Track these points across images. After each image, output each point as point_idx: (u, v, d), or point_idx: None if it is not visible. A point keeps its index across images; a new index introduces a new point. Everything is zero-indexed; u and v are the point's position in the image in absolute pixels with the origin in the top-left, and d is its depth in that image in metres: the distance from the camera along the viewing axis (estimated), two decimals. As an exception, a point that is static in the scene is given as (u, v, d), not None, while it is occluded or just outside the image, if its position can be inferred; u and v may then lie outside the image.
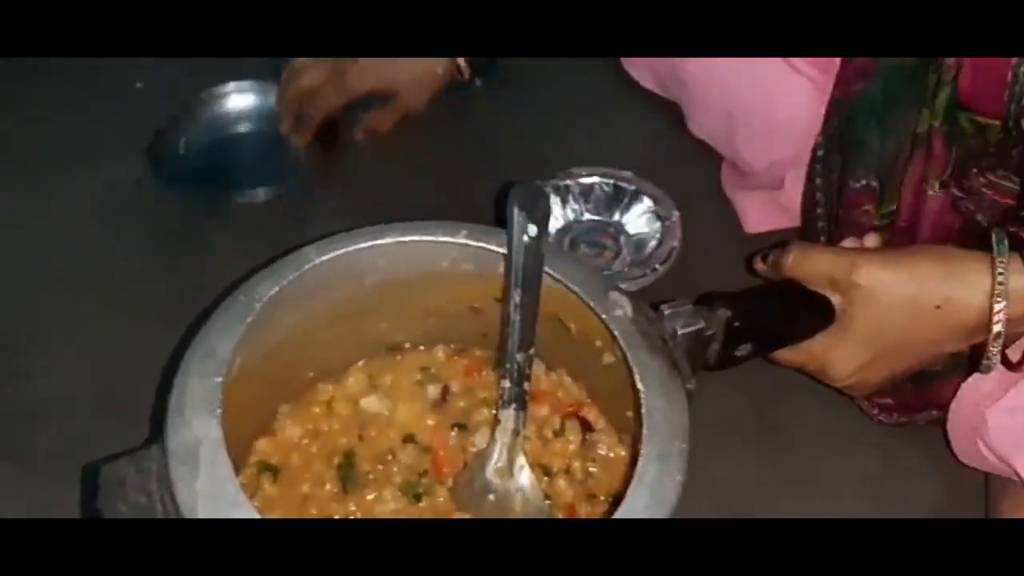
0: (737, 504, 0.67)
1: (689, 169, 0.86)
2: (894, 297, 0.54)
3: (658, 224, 0.82)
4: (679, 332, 0.52)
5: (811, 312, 0.56)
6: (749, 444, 0.70)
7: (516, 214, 0.54)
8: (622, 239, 0.82)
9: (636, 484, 0.47)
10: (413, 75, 0.85)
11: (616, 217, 0.84)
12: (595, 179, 0.86)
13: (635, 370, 0.51)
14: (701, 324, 0.52)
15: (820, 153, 0.71)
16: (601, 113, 0.91)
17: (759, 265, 0.61)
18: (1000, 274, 0.50)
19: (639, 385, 0.50)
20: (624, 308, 0.53)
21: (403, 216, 0.59)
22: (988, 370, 0.53)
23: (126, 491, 0.48)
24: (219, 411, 0.48)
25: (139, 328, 0.76)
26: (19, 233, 0.82)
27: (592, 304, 0.54)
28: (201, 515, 0.45)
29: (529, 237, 0.54)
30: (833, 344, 0.57)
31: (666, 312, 0.53)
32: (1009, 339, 0.53)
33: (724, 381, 0.67)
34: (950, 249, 0.55)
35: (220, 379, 0.49)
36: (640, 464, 0.48)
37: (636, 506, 0.47)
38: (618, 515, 0.46)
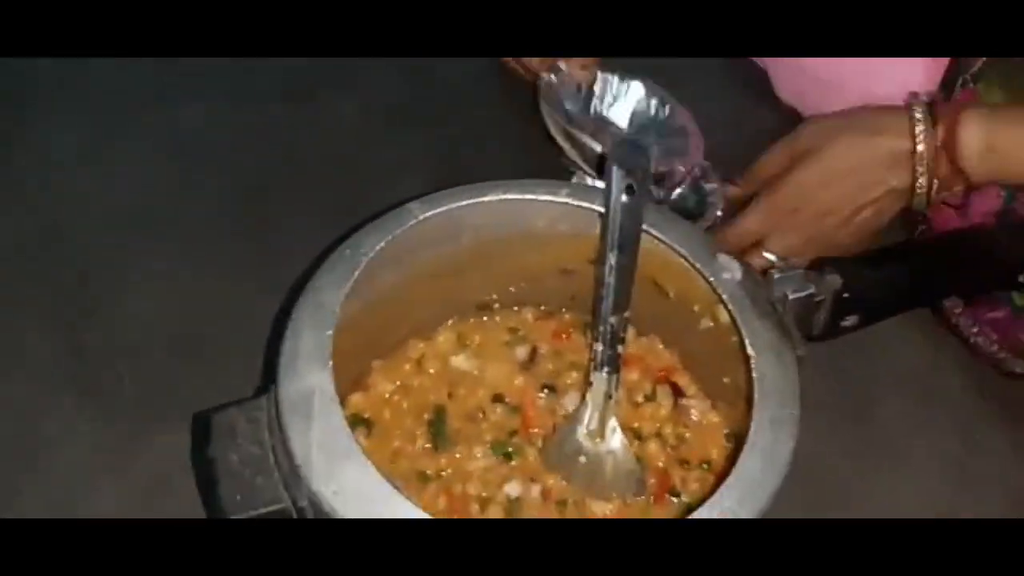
0: (823, 483, 0.66)
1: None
2: (834, 132, 0.62)
3: (703, 196, 0.80)
4: (789, 297, 0.51)
5: (923, 281, 0.55)
6: (834, 422, 0.69)
7: (615, 172, 0.54)
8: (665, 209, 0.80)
9: (749, 449, 0.47)
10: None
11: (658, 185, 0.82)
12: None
13: (745, 335, 0.50)
14: (811, 289, 0.52)
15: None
16: (675, 79, 0.88)
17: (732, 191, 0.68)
18: (916, 112, 0.59)
19: (749, 350, 0.50)
20: (733, 271, 0.52)
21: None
22: (922, 205, 0.60)
23: (237, 440, 0.48)
24: (330, 363, 0.48)
25: (214, 268, 0.76)
26: (97, 170, 0.83)
27: (699, 266, 0.54)
28: (315, 464, 0.45)
29: (628, 196, 0.54)
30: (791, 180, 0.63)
31: (776, 276, 0.52)
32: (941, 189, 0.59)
33: (812, 358, 0.67)
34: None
35: (330, 332, 0.50)
36: (752, 429, 0.47)
37: (750, 471, 0.46)
38: (731, 480, 0.46)
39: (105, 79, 0.89)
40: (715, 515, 0.45)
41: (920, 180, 0.58)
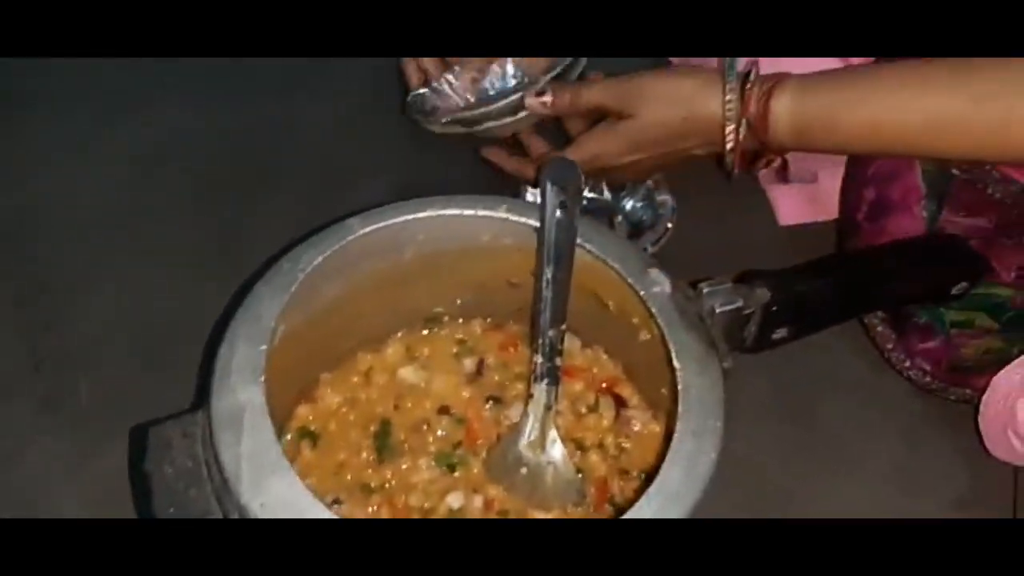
0: (765, 487, 0.67)
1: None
2: (647, 94, 0.65)
3: (654, 208, 0.81)
4: (717, 310, 0.52)
5: (853, 293, 0.56)
6: (776, 428, 0.70)
7: (549, 188, 0.55)
8: (618, 219, 0.81)
9: (671, 460, 0.48)
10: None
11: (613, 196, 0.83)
12: None
13: (672, 347, 0.51)
14: (740, 303, 0.53)
15: None
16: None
17: (531, 100, 0.71)
18: (729, 97, 0.60)
19: (675, 362, 0.51)
20: (663, 285, 0.53)
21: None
22: (729, 169, 0.63)
23: (172, 454, 0.49)
24: (262, 378, 0.49)
25: (176, 277, 0.77)
26: (59, 179, 0.83)
27: (630, 280, 0.54)
28: (244, 478, 0.46)
29: (561, 212, 0.55)
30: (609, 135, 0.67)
31: (704, 290, 0.53)
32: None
33: (752, 366, 0.67)
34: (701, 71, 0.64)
35: (264, 347, 0.51)
36: (675, 440, 0.48)
37: (670, 481, 0.47)
38: (652, 491, 0.47)
39: (66, 82, 0.90)
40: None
41: (728, 146, 0.60)
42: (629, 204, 0.79)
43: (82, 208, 0.82)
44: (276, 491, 0.46)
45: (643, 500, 0.47)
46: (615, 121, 0.69)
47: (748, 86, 0.61)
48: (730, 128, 0.60)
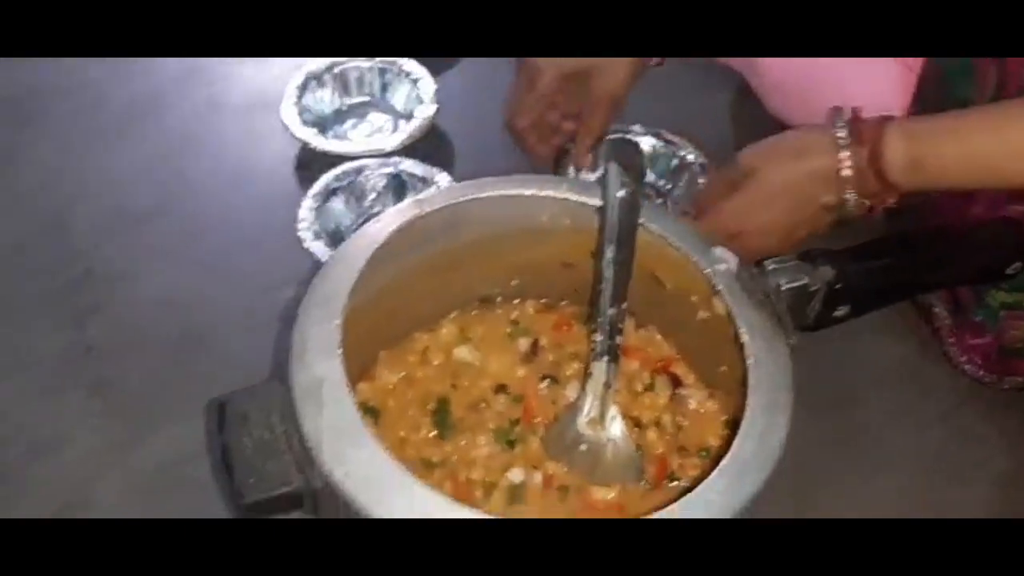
0: (805, 474, 0.67)
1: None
2: (769, 153, 0.64)
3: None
4: (783, 287, 0.53)
5: (913, 273, 0.57)
6: (817, 414, 0.70)
7: (612, 169, 0.56)
8: (667, 203, 0.83)
9: (744, 434, 0.48)
10: (604, 63, 0.74)
11: (660, 179, 0.84)
12: (650, 140, 0.85)
13: (739, 324, 0.52)
14: (805, 280, 0.53)
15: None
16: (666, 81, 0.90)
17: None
18: (838, 132, 0.60)
19: (744, 338, 0.52)
20: (729, 263, 0.54)
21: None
22: (855, 215, 0.61)
23: (249, 426, 0.50)
24: (339, 351, 0.50)
25: (223, 263, 0.78)
26: (103, 172, 0.85)
27: (695, 259, 0.55)
28: (326, 449, 0.47)
29: (624, 192, 0.55)
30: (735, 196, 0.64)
31: (770, 267, 0.54)
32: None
33: (793, 351, 0.68)
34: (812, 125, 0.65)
35: (338, 321, 0.51)
36: (747, 415, 0.49)
37: (743, 455, 0.48)
38: (724, 464, 0.48)
39: (104, 71, 0.91)
40: (710, 496, 0.46)
41: (848, 196, 0.60)
42: (679, 189, 0.80)
43: (127, 196, 0.83)
44: (359, 460, 0.47)
45: (715, 474, 0.48)
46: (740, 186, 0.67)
47: (858, 123, 0.61)
48: (845, 161, 0.60)
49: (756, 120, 0.82)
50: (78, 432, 0.69)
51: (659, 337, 0.66)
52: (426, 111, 0.84)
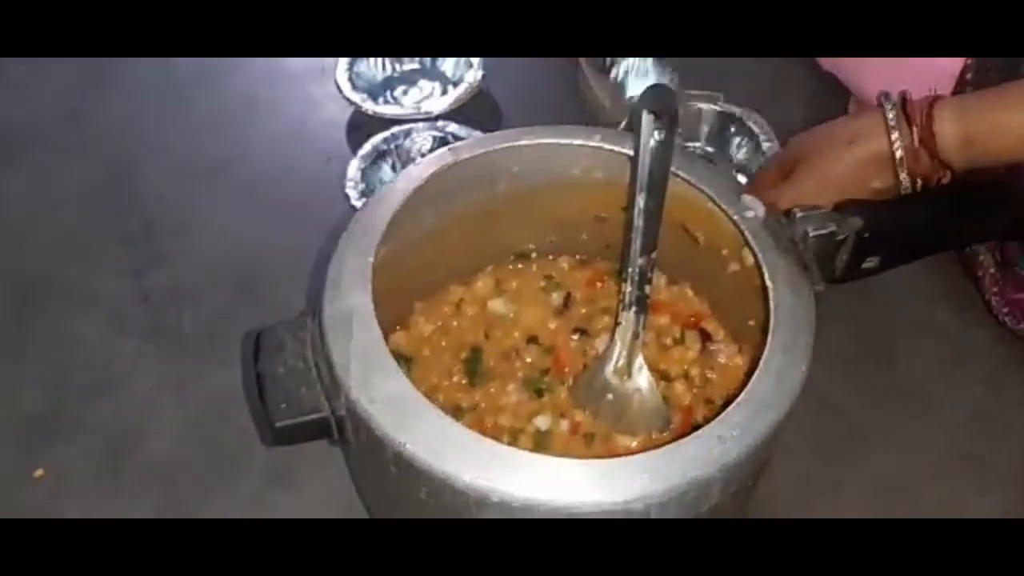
0: (842, 427, 0.68)
1: (812, 103, 0.85)
2: (819, 142, 0.64)
3: (759, 157, 0.82)
4: (810, 235, 0.53)
5: (946, 225, 0.57)
6: (856, 368, 0.71)
7: (644, 115, 0.56)
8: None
9: (762, 372, 0.49)
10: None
11: (716, 146, 0.85)
12: (704, 105, 0.85)
13: (764, 268, 0.53)
14: (832, 228, 0.53)
15: (969, 76, 0.70)
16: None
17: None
18: (892, 123, 0.60)
19: (768, 282, 0.52)
20: (756, 210, 0.54)
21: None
22: (905, 190, 0.60)
23: (284, 355, 0.52)
24: (369, 286, 0.52)
25: (275, 217, 0.81)
26: (163, 128, 0.88)
27: (723, 206, 0.56)
28: (353, 375, 0.49)
29: (656, 140, 0.56)
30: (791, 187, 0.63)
31: (798, 215, 0.54)
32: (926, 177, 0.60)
33: (833, 306, 0.68)
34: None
35: (371, 258, 0.53)
36: (766, 353, 0.49)
37: (761, 392, 0.48)
38: (741, 399, 0.48)
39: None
40: (724, 431, 0.47)
41: (902, 177, 0.59)
42: (733, 152, 0.80)
43: (189, 154, 0.86)
44: (384, 387, 0.48)
45: (732, 408, 0.48)
46: (791, 174, 0.66)
47: (908, 104, 0.61)
48: (896, 143, 0.59)
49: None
50: (132, 376, 0.72)
51: (691, 293, 0.66)
52: (474, 76, 0.85)
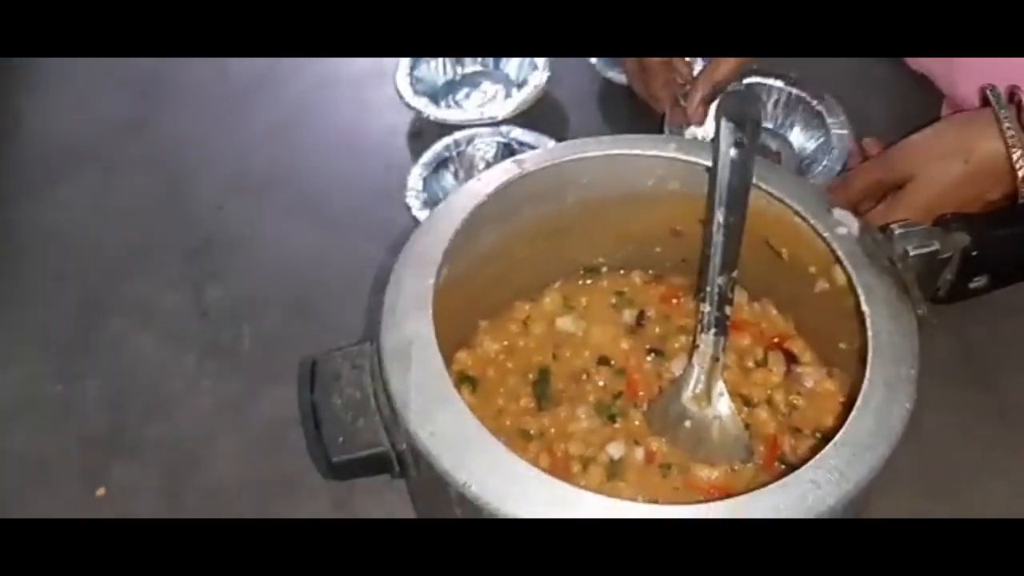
0: (946, 458, 0.63)
1: (906, 103, 0.80)
2: (928, 155, 0.61)
3: (829, 141, 0.77)
4: (910, 253, 0.49)
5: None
6: (960, 394, 0.65)
7: (724, 124, 0.52)
8: (783, 151, 0.78)
9: (860, 410, 0.44)
10: None
11: (783, 127, 0.80)
12: (775, 83, 0.80)
13: (860, 291, 0.48)
14: (935, 246, 0.49)
15: None
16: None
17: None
18: (1007, 125, 0.56)
19: (864, 307, 0.47)
20: (850, 226, 0.50)
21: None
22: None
23: (341, 385, 0.49)
24: (430, 311, 0.49)
25: (333, 234, 0.79)
26: (221, 138, 0.87)
27: (812, 222, 0.51)
28: (413, 407, 0.46)
29: (736, 150, 0.52)
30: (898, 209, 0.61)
31: (896, 231, 0.49)
32: None
33: (935, 326, 0.63)
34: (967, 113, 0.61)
35: (431, 281, 0.50)
36: (864, 388, 0.45)
37: (859, 432, 0.44)
38: (838, 439, 0.44)
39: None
40: (819, 476, 0.42)
41: (1022, 189, 0.54)
42: (797, 137, 0.75)
43: (246, 165, 0.85)
44: (445, 420, 0.45)
45: (829, 449, 0.44)
46: (897, 193, 0.64)
47: (1022, 111, 0.58)
48: (1018, 155, 0.56)
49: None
50: (191, 395, 0.71)
51: (774, 312, 0.62)
52: (539, 78, 0.82)
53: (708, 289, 0.54)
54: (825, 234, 0.51)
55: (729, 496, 0.52)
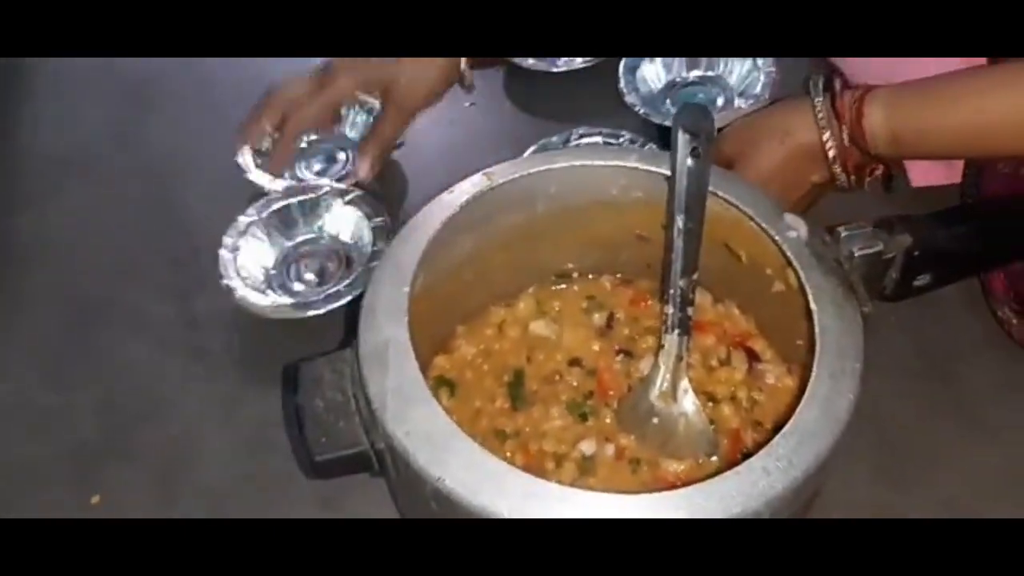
0: (902, 448, 0.66)
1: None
2: (754, 136, 0.65)
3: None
4: (856, 254, 0.52)
5: (998, 241, 0.54)
6: (914, 387, 0.68)
7: (680, 135, 0.55)
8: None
9: (807, 401, 0.47)
10: (409, 73, 0.76)
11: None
12: None
13: (808, 291, 0.51)
14: (879, 247, 0.52)
15: None
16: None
17: None
18: (819, 110, 0.61)
19: (812, 305, 0.50)
20: (799, 230, 0.53)
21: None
22: (844, 189, 0.63)
23: (323, 388, 0.52)
24: (406, 317, 0.52)
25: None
26: (205, 148, 0.88)
27: (765, 226, 0.54)
28: (390, 408, 0.49)
29: (693, 159, 0.55)
30: None
31: (843, 234, 0.52)
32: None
33: (891, 322, 0.66)
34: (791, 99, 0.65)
35: (407, 288, 0.53)
36: (812, 381, 0.48)
37: (806, 422, 0.47)
38: (787, 429, 0.47)
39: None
40: (769, 464, 0.45)
41: (836, 171, 0.60)
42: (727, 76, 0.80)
43: (226, 172, 0.86)
44: (419, 420, 0.48)
45: (777, 439, 0.47)
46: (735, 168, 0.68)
47: (837, 100, 0.61)
48: (827, 138, 0.60)
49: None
50: (180, 400, 0.73)
51: (736, 312, 0.65)
52: None
53: (671, 291, 0.57)
54: (777, 237, 0.54)
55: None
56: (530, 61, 0.88)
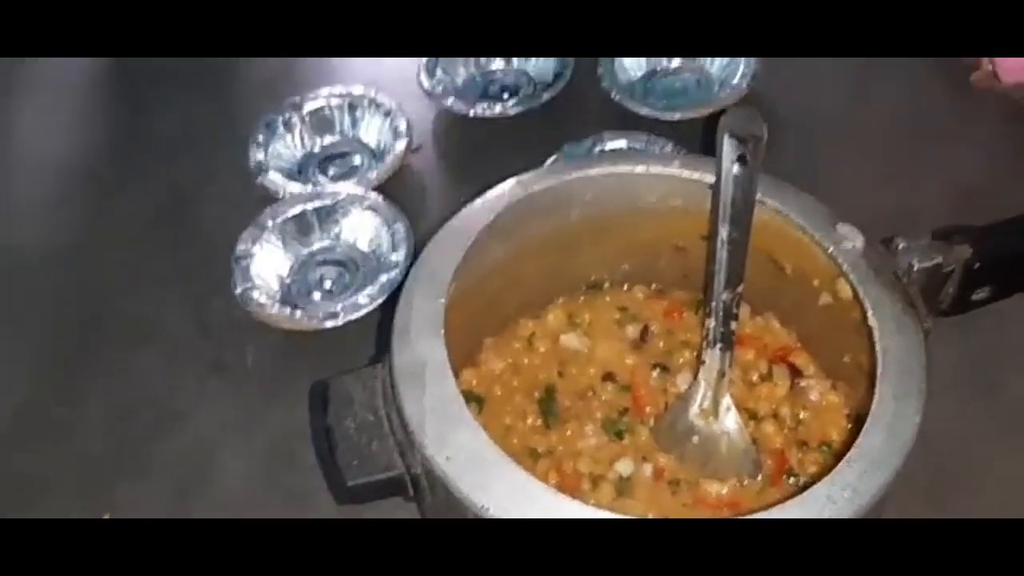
0: (952, 468, 0.63)
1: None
2: None
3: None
4: (914, 268, 0.49)
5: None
6: (965, 404, 0.66)
7: (727, 141, 0.53)
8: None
9: (871, 425, 0.45)
10: None
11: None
12: None
13: (867, 306, 0.49)
14: (939, 259, 0.49)
15: None
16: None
17: None
18: None
19: (872, 321, 0.48)
20: (854, 240, 0.50)
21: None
22: None
23: (354, 408, 0.49)
24: (442, 331, 0.49)
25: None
26: (216, 153, 0.86)
27: (817, 237, 0.52)
28: (428, 431, 0.46)
29: (740, 166, 0.53)
30: None
31: (900, 246, 0.50)
32: None
33: (939, 335, 0.63)
34: None
35: (443, 300, 0.50)
36: (875, 404, 0.45)
37: (871, 448, 0.44)
38: (851, 456, 0.44)
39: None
40: (834, 492, 0.43)
41: None
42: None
43: (248, 180, 0.84)
44: (461, 444, 0.45)
45: (842, 466, 0.44)
46: None
47: None
48: None
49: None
50: (195, 414, 0.71)
51: (777, 325, 0.62)
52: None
53: (713, 304, 0.55)
54: (830, 248, 0.51)
55: (738, 510, 0.54)
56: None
